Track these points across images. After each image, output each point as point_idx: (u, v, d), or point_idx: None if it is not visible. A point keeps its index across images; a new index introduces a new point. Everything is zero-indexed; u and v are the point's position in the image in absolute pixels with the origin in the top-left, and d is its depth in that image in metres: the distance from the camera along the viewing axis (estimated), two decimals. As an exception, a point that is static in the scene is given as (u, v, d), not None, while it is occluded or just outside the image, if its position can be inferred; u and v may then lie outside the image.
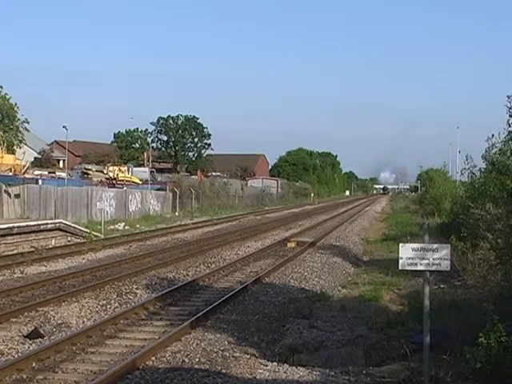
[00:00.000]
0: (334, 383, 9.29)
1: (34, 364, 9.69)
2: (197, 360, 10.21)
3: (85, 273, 18.93)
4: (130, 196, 43.41)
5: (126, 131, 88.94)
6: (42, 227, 26.71)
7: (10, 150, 50.71)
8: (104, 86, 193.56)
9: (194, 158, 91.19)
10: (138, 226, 37.37)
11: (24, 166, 46.83)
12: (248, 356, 10.62)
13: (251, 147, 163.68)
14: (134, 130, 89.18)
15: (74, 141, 74.02)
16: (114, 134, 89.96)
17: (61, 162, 69.13)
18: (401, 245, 8.95)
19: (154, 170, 67.60)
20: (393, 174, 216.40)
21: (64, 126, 50.52)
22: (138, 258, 22.61)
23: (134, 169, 61.38)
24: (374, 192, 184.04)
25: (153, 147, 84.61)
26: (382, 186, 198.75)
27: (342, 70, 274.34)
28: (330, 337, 12.44)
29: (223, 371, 9.58)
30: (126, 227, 35.87)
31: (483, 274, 14.88)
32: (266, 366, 10.06)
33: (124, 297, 15.44)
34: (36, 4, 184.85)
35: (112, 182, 50.44)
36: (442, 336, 10.21)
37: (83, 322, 12.83)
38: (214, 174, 76.69)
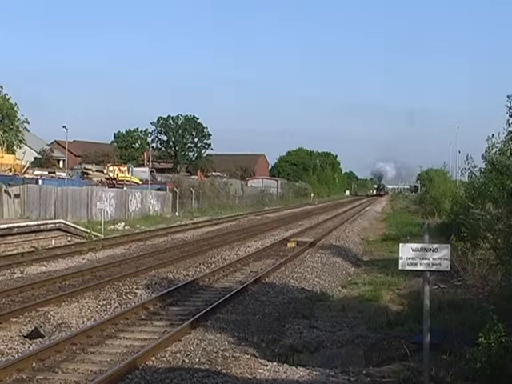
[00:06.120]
0: (334, 383, 9.29)
1: (34, 364, 9.69)
2: (197, 360, 10.21)
3: (85, 273, 18.93)
4: (130, 196, 43.39)
5: (126, 131, 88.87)
6: (42, 227, 26.71)
7: (10, 150, 50.67)
8: (104, 86, 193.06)
9: (193, 158, 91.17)
10: (138, 225, 37.37)
11: (24, 166, 46.79)
12: (248, 356, 10.62)
13: (251, 147, 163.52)
14: (134, 130, 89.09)
15: (74, 141, 73.94)
16: (114, 134, 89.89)
17: (61, 162, 69.06)
18: (401, 245, 8.94)
19: (153, 170, 67.50)
20: (394, 169, 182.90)
21: (64, 126, 50.51)
22: (138, 258, 22.62)
23: (134, 169, 61.28)
24: (374, 192, 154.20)
25: (153, 147, 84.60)
26: (377, 186, 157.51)
27: (342, 69, 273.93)
28: (329, 337, 12.45)
29: (223, 371, 9.58)
30: (126, 227, 35.86)
31: (483, 274, 14.88)
32: (266, 366, 10.06)
33: (124, 297, 15.44)
34: (36, 4, 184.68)
35: (112, 182, 50.37)
36: (441, 336, 10.21)
37: (83, 322, 12.83)
38: (213, 173, 76.63)
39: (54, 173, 51.15)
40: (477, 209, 15.03)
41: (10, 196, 32.07)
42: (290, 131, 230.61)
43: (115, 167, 55.91)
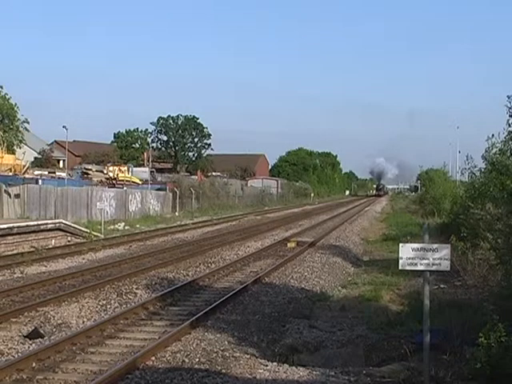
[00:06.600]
0: (334, 383, 9.29)
1: (33, 364, 9.69)
2: (197, 360, 10.21)
3: (85, 273, 18.93)
4: (130, 196, 43.39)
5: (126, 131, 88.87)
6: (42, 227, 26.70)
7: (10, 150, 50.68)
8: (104, 86, 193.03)
9: (194, 158, 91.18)
10: (138, 225, 37.37)
11: (24, 166, 46.80)
12: (248, 356, 10.62)
13: (251, 147, 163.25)
14: (134, 130, 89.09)
15: (74, 141, 73.89)
16: (114, 134, 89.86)
17: (61, 162, 69.05)
18: (401, 245, 8.95)
19: (153, 170, 67.50)
20: (394, 169, 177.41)
21: (64, 126, 50.54)
22: (138, 258, 22.61)
23: (134, 169, 61.30)
24: (374, 192, 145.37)
25: (153, 147, 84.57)
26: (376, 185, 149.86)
27: (343, 69, 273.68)
28: (330, 337, 12.44)
29: (223, 371, 9.57)
30: (126, 227, 35.86)
31: (483, 274, 14.90)
32: (266, 366, 10.05)
33: (124, 297, 15.44)
34: (36, 3, 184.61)
35: (112, 182, 50.38)
36: (442, 336, 10.21)
37: (83, 322, 12.83)
38: (213, 173, 76.62)
39: (54, 173, 51.14)
40: (477, 209, 15.05)
41: (10, 196, 32.07)
42: (290, 131, 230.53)
43: (115, 167, 55.93)
